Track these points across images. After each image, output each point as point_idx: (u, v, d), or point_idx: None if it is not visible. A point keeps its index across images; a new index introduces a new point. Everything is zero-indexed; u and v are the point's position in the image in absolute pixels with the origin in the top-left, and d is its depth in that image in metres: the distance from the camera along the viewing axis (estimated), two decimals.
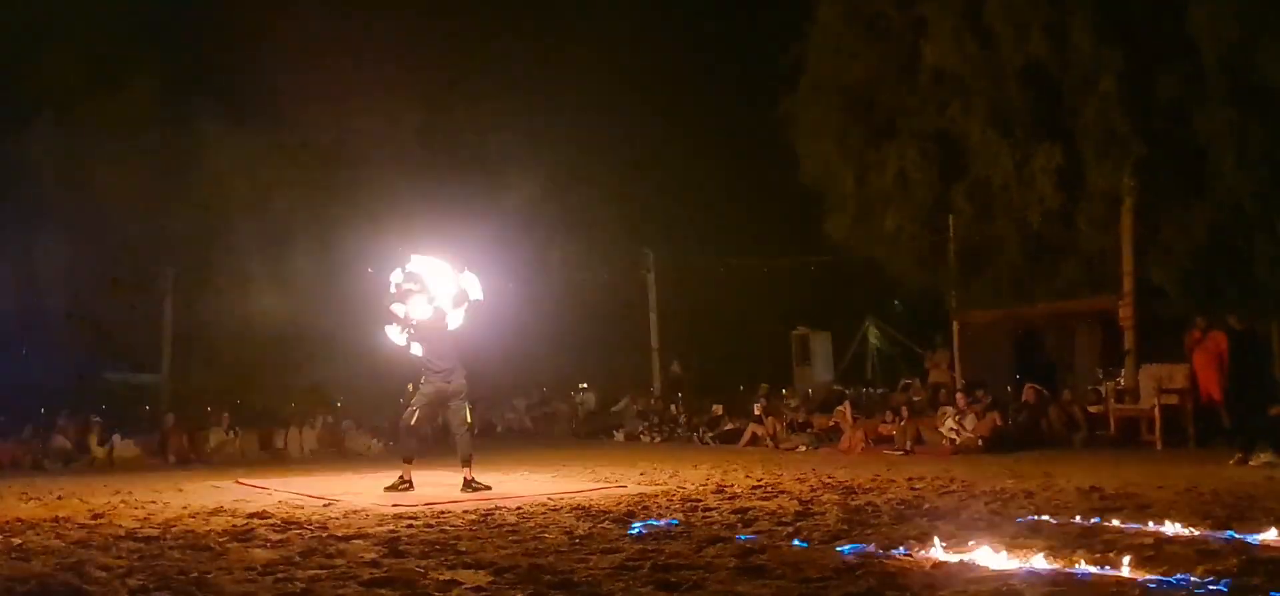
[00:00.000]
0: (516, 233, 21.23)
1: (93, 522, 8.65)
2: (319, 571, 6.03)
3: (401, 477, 10.56)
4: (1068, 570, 5.60)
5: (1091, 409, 16.12)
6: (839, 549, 6.40)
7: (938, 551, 6.14)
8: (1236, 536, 6.56)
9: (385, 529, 7.79)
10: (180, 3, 22.95)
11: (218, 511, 9.19)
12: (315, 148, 22.16)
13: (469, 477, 10.47)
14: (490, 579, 5.73)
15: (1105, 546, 6.23)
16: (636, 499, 9.57)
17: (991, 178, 17.42)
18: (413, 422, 11.00)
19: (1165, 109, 16.22)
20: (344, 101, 21.61)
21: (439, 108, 22.97)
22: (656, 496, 9.77)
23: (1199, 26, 15.62)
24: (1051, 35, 16.59)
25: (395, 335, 11.17)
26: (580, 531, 7.44)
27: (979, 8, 17.18)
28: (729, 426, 18.99)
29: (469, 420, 10.91)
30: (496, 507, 8.95)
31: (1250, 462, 11.52)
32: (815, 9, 19.14)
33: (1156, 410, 14.86)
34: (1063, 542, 6.42)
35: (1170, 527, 6.93)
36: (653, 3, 23.81)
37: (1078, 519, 7.50)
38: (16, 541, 7.59)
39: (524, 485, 10.84)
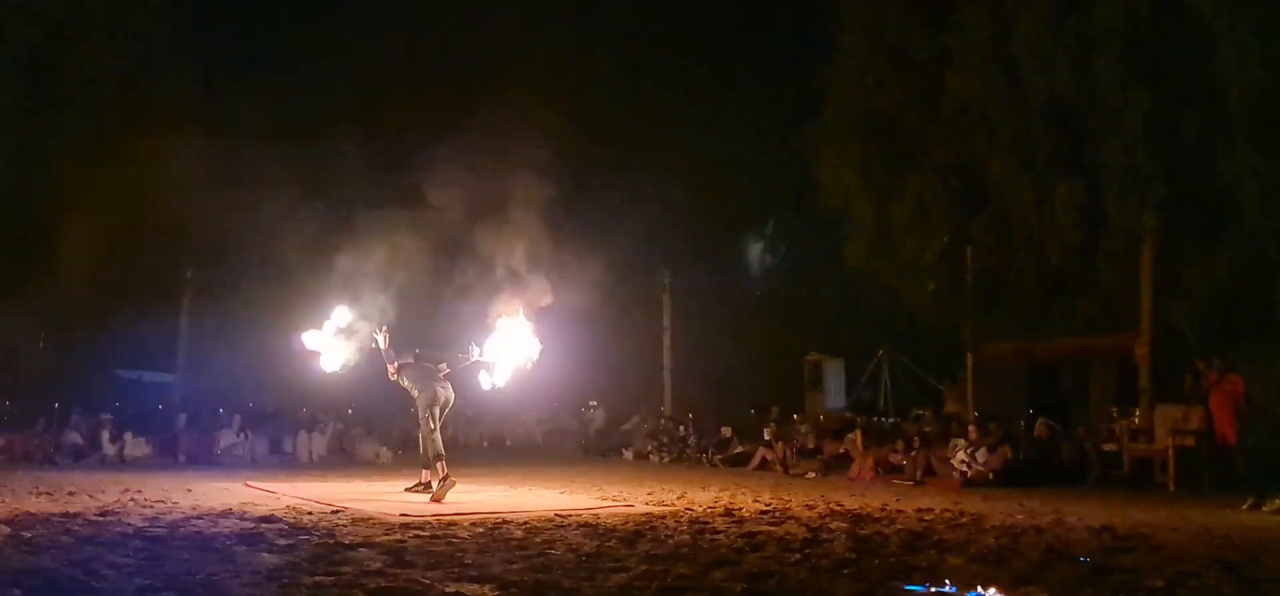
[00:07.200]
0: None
1: (102, 520, 8.67)
2: (325, 578, 6.03)
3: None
4: None
5: (1105, 447, 15.99)
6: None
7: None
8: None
9: (392, 538, 7.78)
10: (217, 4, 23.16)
11: (226, 513, 9.21)
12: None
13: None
14: (496, 593, 5.72)
15: (1115, 588, 6.17)
16: (644, 519, 9.53)
17: (1012, 211, 17.37)
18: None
19: (1189, 149, 16.14)
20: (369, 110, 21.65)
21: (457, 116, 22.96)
22: (664, 517, 9.73)
23: (1226, 68, 15.55)
24: (1077, 70, 16.55)
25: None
26: (587, 549, 7.41)
27: (1004, 40, 17.15)
28: (738, 449, 18.91)
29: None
30: (504, 522, 8.93)
31: (1263, 508, 11.41)
32: (840, 37, 19.15)
33: (1171, 451, 14.74)
34: (1073, 582, 6.36)
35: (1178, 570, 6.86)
36: (677, 26, 23.83)
37: (1088, 558, 7.43)
38: (26, 535, 7.61)
39: (531, 500, 10.81)
